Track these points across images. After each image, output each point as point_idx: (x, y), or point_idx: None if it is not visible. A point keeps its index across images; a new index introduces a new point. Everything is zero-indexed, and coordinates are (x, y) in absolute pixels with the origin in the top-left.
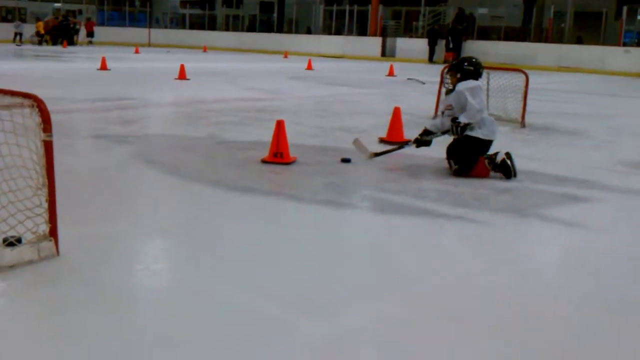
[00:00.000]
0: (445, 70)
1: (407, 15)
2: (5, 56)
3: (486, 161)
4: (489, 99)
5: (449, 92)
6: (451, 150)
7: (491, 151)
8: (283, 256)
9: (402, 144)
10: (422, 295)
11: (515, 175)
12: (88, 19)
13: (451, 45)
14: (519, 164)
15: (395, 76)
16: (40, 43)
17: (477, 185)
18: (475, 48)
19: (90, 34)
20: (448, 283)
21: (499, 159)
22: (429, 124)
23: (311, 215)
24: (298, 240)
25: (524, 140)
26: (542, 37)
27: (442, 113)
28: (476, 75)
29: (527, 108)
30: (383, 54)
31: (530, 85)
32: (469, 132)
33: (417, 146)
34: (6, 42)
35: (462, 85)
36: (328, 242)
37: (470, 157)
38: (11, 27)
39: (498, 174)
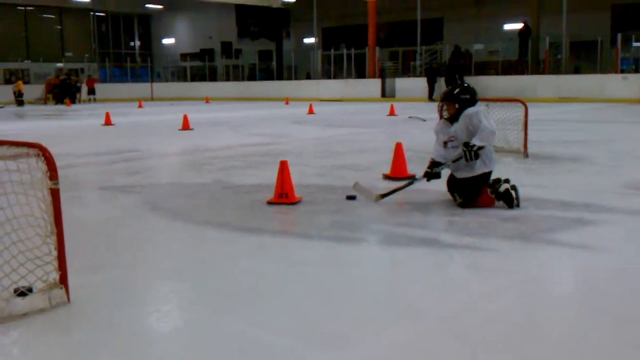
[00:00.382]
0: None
1: (404, 55)
2: (8, 117)
3: (489, 190)
4: None
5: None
6: (453, 184)
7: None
8: (290, 291)
9: (410, 180)
10: (431, 322)
11: (518, 206)
12: (89, 76)
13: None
14: (524, 192)
15: (396, 115)
16: (19, 104)
17: (483, 214)
18: (474, 83)
19: (91, 90)
20: (456, 309)
21: (502, 188)
22: (434, 154)
23: (318, 252)
24: (305, 275)
25: (528, 170)
26: (539, 69)
27: (445, 144)
28: (473, 102)
29: (529, 138)
30: (383, 94)
31: (531, 117)
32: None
33: (428, 180)
34: (8, 104)
35: (473, 109)
36: (336, 277)
37: (473, 189)
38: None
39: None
